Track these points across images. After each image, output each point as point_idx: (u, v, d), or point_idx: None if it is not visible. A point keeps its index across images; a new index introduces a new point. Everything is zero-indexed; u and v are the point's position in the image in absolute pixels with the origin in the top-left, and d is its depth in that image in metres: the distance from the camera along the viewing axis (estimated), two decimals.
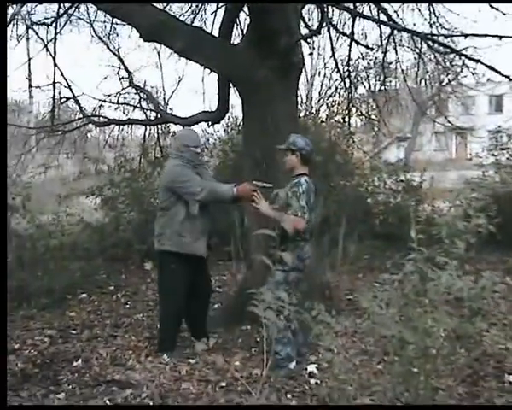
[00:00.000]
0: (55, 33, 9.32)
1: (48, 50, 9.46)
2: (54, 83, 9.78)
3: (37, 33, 9.42)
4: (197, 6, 10.05)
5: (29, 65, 10.19)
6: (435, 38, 8.49)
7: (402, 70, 11.36)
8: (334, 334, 3.76)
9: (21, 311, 7.33)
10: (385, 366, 3.98)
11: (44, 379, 5.18)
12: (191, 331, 5.98)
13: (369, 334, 4.07)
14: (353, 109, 12.27)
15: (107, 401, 4.58)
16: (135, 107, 11.29)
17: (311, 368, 5.09)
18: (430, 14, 9.55)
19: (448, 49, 8.46)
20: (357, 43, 9.43)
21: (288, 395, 4.62)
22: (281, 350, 5.03)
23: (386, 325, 3.42)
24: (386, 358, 4.00)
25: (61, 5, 9.12)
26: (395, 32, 9.54)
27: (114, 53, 10.91)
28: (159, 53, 11.74)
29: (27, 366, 5.46)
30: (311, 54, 12.11)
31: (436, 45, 8.71)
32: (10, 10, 8.03)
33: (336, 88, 12.64)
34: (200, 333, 5.76)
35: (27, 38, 9.64)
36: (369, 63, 11.44)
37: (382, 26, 9.60)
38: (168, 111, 11.34)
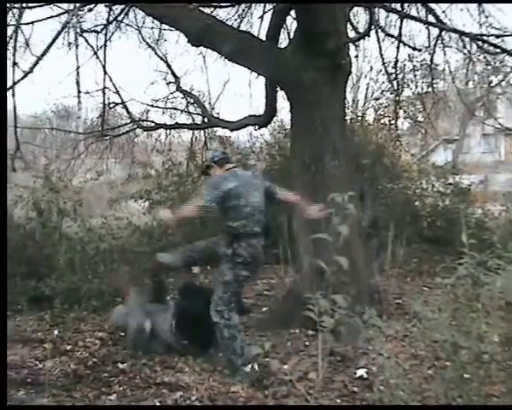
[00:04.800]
0: (105, 40, 9.47)
1: (97, 57, 9.63)
2: (104, 89, 9.95)
3: (87, 41, 9.58)
4: (244, 10, 10.10)
5: (77, 72, 10.37)
6: (485, 38, 8.37)
7: (450, 71, 11.18)
8: (384, 338, 3.73)
9: (72, 313, 7.41)
10: (436, 371, 3.93)
11: (96, 380, 5.25)
12: None
13: (419, 338, 4.03)
14: (400, 112, 12.17)
15: (158, 403, 4.62)
16: (182, 111, 11.39)
17: (361, 372, 5.06)
18: (479, 14, 9.39)
19: (498, 50, 8.32)
20: (405, 44, 9.35)
21: (338, 400, 4.60)
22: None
23: (438, 329, 3.38)
24: (437, 363, 3.95)
25: (111, 12, 9.27)
26: (443, 32, 9.43)
27: (162, 58, 11.05)
28: (204, 57, 11.81)
29: (79, 367, 5.55)
30: (356, 57, 12.03)
31: (486, 46, 8.58)
32: (63, 19, 8.21)
33: (383, 90, 12.57)
34: None
35: (76, 46, 9.80)
36: (415, 65, 11.33)
37: (430, 27, 9.50)
38: (215, 115, 11.41)
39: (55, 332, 6.79)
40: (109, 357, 5.82)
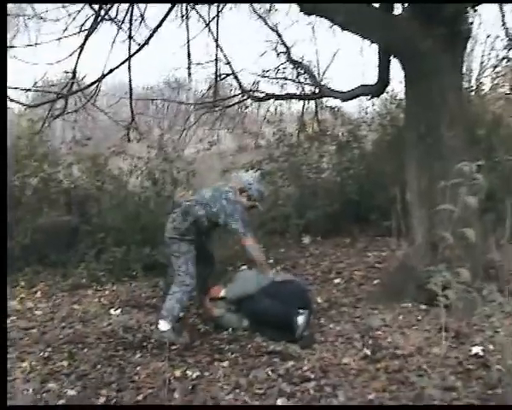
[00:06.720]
0: (218, 11, 9.54)
1: (210, 29, 9.72)
2: (216, 60, 10.07)
3: (198, 13, 9.66)
4: None
5: (188, 44, 10.53)
6: None
7: None
8: (502, 315, 3.60)
9: None
10: None
11: (208, 348, 5.38)
12: None
13: None
14: None
15: (270, 372, 4.65)
16: (293, 81, 11.36)
17: (477, 349, 4.89)
18: None
19: None
20: None
21: (452, 377, 4.47)
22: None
23: None
24: None
25: None
26: None
27: (272, 28, 11.02)
28: (313, 27, 11.64)
29: (193, 333, 5.72)
30: (471, 23, 11.53)
31: None
32: None
33: (502, 58, 12.00)
34: None
35: (187, 17, 9.92)
36: None
37: None
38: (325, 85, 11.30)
39: None
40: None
